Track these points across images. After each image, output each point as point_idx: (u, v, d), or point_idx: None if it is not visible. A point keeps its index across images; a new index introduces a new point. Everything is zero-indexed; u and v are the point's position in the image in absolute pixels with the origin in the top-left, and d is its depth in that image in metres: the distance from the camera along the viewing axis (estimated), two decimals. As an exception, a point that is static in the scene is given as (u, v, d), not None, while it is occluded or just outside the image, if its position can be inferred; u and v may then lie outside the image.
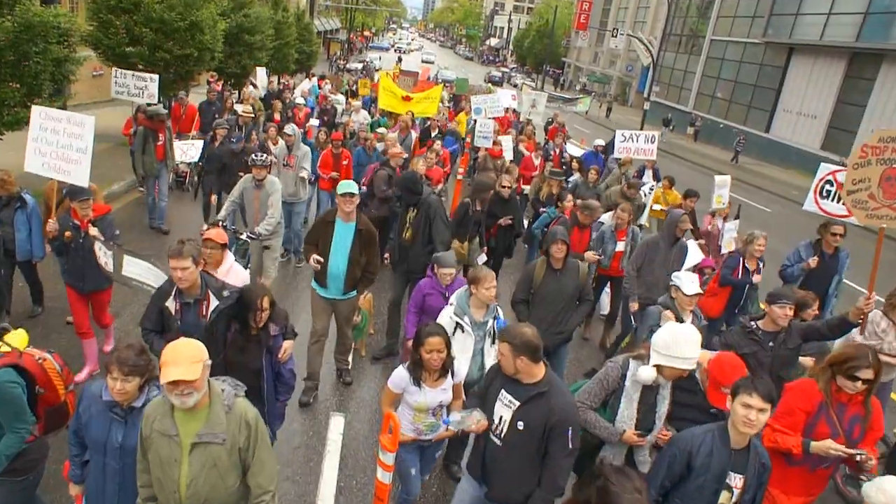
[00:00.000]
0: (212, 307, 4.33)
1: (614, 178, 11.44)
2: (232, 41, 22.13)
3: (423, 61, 54.13)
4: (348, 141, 12.19)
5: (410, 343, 5.14)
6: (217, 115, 13.27)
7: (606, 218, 8.49)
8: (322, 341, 6.44)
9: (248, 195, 7.52)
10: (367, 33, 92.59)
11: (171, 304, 4.41)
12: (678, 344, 3.75)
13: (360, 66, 46.45)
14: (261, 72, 21.22)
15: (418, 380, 4.15)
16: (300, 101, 16.68)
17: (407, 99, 16.28)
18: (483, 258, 8.33)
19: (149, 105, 10.71)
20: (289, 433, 5.78)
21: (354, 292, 6.27)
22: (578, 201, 8.66)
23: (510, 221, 8.61)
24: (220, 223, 6.92)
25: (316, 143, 11.43)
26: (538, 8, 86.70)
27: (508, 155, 13.30)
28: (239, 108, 13.67)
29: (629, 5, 59.16)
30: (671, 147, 31.84)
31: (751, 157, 33.23)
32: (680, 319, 5.23)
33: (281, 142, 10.27)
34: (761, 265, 7.58)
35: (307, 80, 23.37)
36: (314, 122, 14.35)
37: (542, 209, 9.90)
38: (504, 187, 8.73)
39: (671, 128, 36.29)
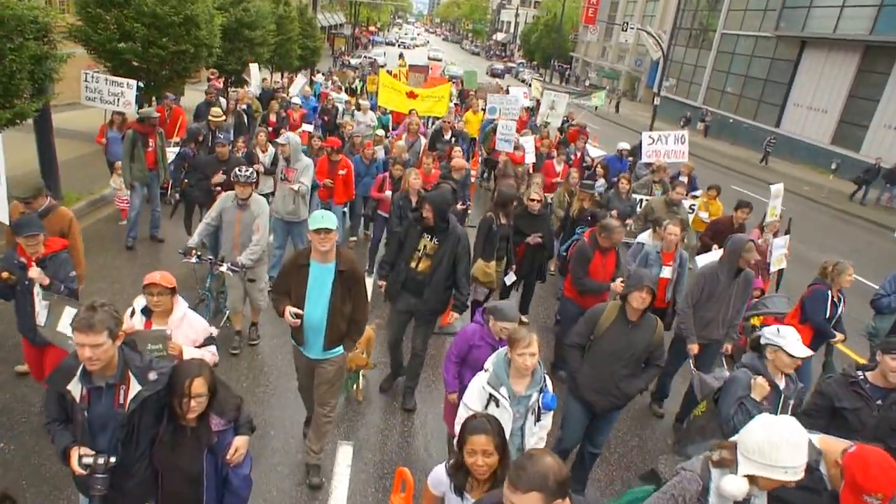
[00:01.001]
0: (132, 393, 3.20)
1: (641, 186, 10.54)
2: (231, 37, 21.73)
3: (430, 58, 52.96)
4: (346, 147, 11.30)
5: (452, 396, 4.88)
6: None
7: (646, 237, 7.62)
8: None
9: (227, 217, 6.50)
10: (372, 28, 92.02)
11: (74, 389, 3.20)
12: (778, 449, 2.72)
13: (358, 62, 45.86)
14: (254, 68, 20.11)
15: (461, 489, 3.04)
16: (296, 101, 15.47)
17: (412, 96, 15.32)
18: (511, 277, 7.75)
19: (140, 108, 10.14)
20: (292, 466, 5.34)
21: (340, 349, 4.94)
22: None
23: (540, 240, 7.76)
24: (192, 251, 6.22)
25: (310, 149, 10.47)
26: (545, 2, 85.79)
27: (531, 158, 12.37)
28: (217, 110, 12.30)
29: (638, -1, 58.41)
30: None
31: (759, 151, 32.65)
32: (773, 386, 4.32)
33: (271, 149, 9.55)
34: (842, 297, 6.60)
35: (302, 77, 22.27)
36: (307, 126, 13.53)
37: (578, 229, 8.72)
38: (533, 201, 7.80)
39: (699, 128, 35.42)
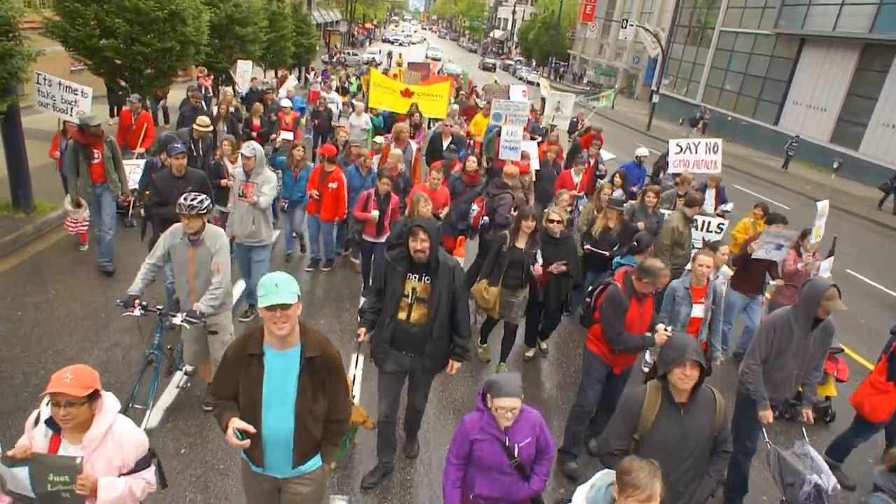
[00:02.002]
0: None
1: (664, 200, 9.57)
2: (221, 33, 21.35)
3: (428, 57, 52.01)
4: (341, 155, 10.23)
5: None
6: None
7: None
8: None
9: (178, 256, 5.25)
10: (368, 25, 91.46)
11: None
12: None
13: (345, 59, 45.23)
14: (243, 66, 19.17)
15: None
16: (286, 102, 14.25)
17: (407, 94, 14.27)
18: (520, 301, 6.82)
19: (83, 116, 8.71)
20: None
21: (317, 462, 3.58)
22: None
23: (564, 268, 6.81)
24: (135, 301, 5.02)
25: (289, 160, 9.39)
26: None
27: (534, 165, 11.27)
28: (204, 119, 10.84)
29: (635, -4, 57.97)
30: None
31: (758, 149, 32.43)
32: None
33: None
34: None
35: (294, 77, 21.03)
36: (286, 134, 12.49)
37: (613, 256, 7.72)
38: (553, 222, 6.83)
39: (699, 126, 34.40)
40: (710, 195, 10.33)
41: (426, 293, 4.57)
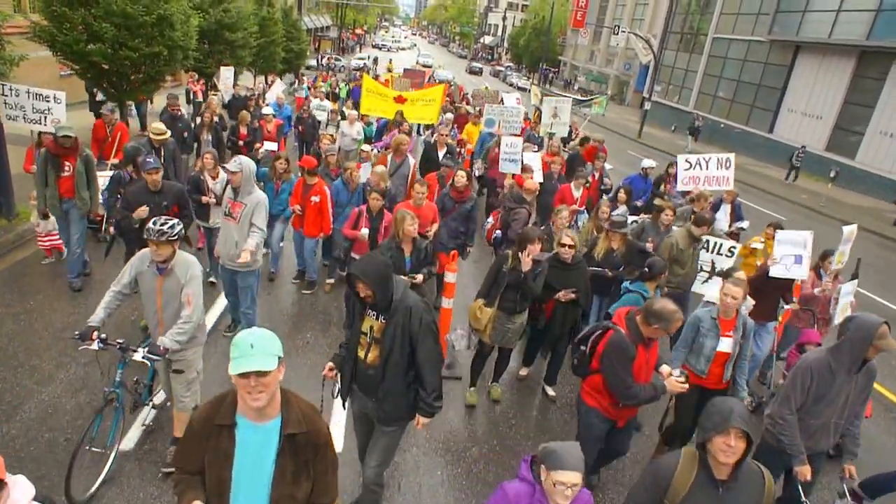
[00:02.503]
0: None
1: (676, 218, 8.88)
2: (211, 39, 20.95)
3: (419, 63, 51.26)
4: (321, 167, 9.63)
5: None
6: (186, 134, 11.33)
7: (713, 296, 5.95)
8: None
9: (145, 285, 4.72)
10: (359, 31, 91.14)
11: None
12: None
13: (335, 64, 44.61)
14: (226, 73, 18.63)
15: None
16: (268, 110, 13.40)
17: (400, 100, 13.87)
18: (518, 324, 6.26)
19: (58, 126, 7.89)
20: None
21: None
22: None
23: (573, 296, 6.31)
24: (93, 332, 4.46)
25: (272, 172, 8.84)
26: (533, 5, 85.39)
27: (538, 178, 10.44)
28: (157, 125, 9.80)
29: (627, 2, 57.94)
30: (682, 152, 30.58)
31: (753, 157, 32.22)
32: None
33: (223, 175, 7.73)
34: None
35: (281, 82, 20.27)
36: (269, 144, 11.64)
37: (618, 277, 7.14)
38: (565, 247, 6.31)
39: (695, 137, 33.60)
40: (725, 211, 9.82)
41: (381, 332, 3.97)
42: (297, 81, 29.27)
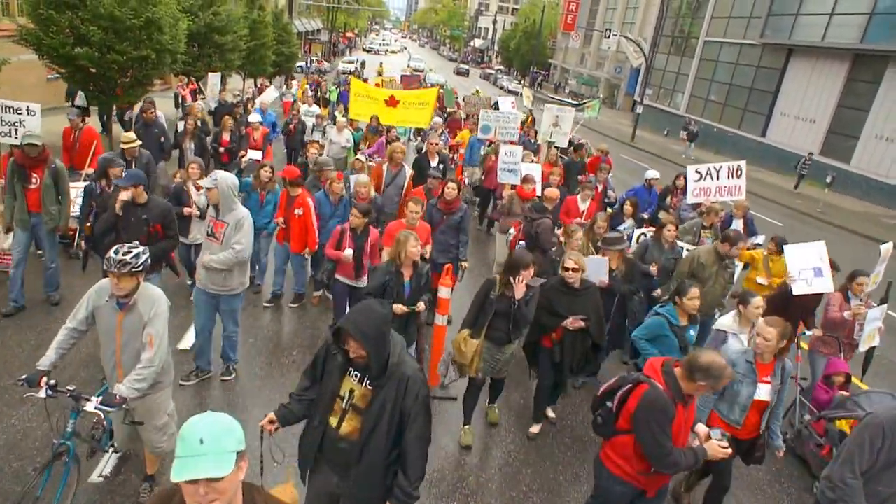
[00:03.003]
0: None
1: (685, 232, 8.58)
2: (200, 42, 20.58)
3: (411, 68, 50.20)
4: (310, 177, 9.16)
5: None
6: (162, 140, 10.57)
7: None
8: None
9: (103, 321, 4.13)
10: (349, 34, 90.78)
11: None
12: None
13: (325, 68, 43.81)
14: (213, 78, 17.95)
15: None
16: (254, 117, 12.62)
17: (392, 103, 13.10)
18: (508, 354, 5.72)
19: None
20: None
21: None
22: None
23: (583, 324, 5.61)
24: (41, 377, 3.88)
25: (255, 183, 8.28)
26: (523, 8, 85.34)
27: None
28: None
29: (617, 6, 57.94)
30: (683, 160, 30.46)
31: (746, 162, 31.98)
32: None
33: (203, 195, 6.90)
34: None
35: (275, 88, 19.34)
36: (254, 153, 11.00)
37: (622, 292, 6.73)
38: (568, 270, 5.64)
39: (685, 137, 33.01)
40: (738, 226, 9.20)
41: (364, 402, 3.22)
42: (285, 85, 28.82)
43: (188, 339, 6.99)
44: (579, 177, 12.26)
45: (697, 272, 6.92)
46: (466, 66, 79.04)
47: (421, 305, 5.76)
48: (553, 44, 73.57)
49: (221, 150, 11.44)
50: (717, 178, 9.45)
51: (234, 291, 6.04)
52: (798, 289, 6.59)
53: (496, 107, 18.73)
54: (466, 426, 6.08)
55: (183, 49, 15.03)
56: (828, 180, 23.76)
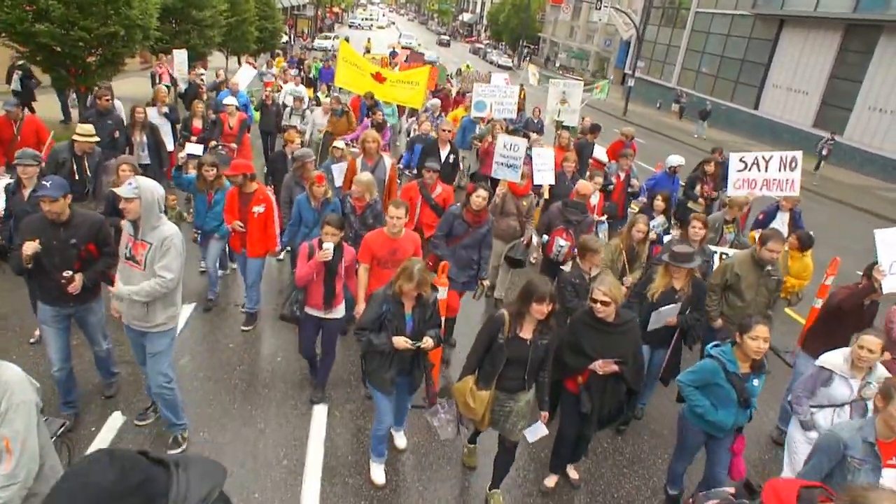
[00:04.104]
0: None
1: (710, 228, 7.12)
2: (177, 17, 19.90)
3: (400, 44, 48.77)
4: (291, 175, 7.81)
5: None
6: (118, 134, 9.09)
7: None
8: None
9: None
10: (336, 9, 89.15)
11: None
12: None
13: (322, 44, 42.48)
14: (179, 56, 16.11)
15: None
16: (230, 100, 10.83)
17: (379, 78, 12.05)
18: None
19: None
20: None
21: None
22: None
23: (616, 367, 4.47)
24: None
25: (200, 180, 7.12)
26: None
27: (547, 180, 8.50)
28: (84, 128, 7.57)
29: (607, -23, 56.89)
30: (678, 133, 29.99)
31: (738, 134, 31.74)
32: None
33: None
34: None
35: (249, 66, 17.19)
36: (193, 147, 9.05)
37: (690, 329, 5.58)
38: (598, 302, 4.44)
39: (677, 108, 31.46)
40: (783, 221, 8.17)
41: None
42: (265, 64, 27.72)
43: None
44: (590, 160, 11.02)
45: (733, 284, 5.91)
46: (447, 37, 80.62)
47: (428, 342, 4.54)
48: (542, 17, 72.55)
49: (193, 139, 10.02)
50: (766, 170, 8.09)
51: (161, 328, 4.72)
52: (889, 286, 5.46)
53: (489, 80, 17.40)
54: (471, 445, 5.27)
55: (155, 25, 14.37)
56: (823, 153, 23.33)
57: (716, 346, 4.48)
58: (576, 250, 6.01)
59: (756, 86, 33.04)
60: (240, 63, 27.52)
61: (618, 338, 4.54)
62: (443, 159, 9.22)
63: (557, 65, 63.29)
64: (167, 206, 7.29)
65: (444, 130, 9.66)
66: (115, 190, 4.51)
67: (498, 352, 4.31)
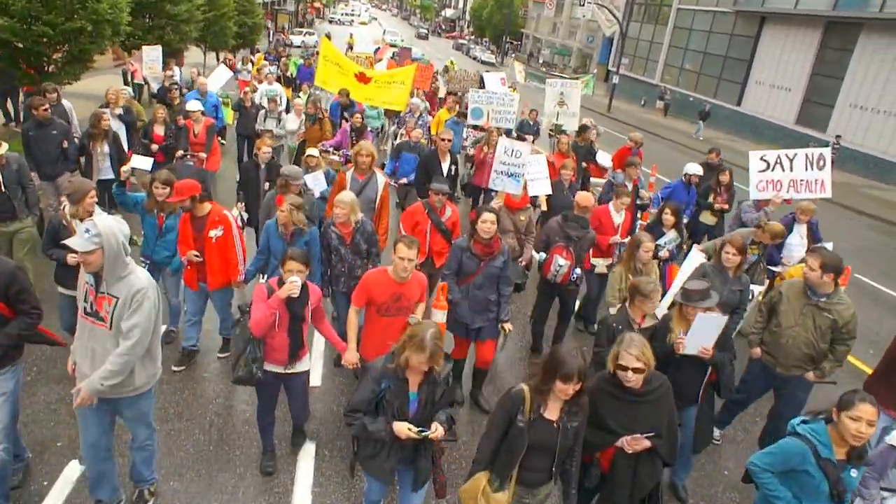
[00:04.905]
0: None
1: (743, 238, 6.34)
2: (151, 12, 19.34)
3: (384, 40, 47.90)
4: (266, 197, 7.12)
5: None
6: (66, 145, 8.02)
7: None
8: None
9: None
10: (317, 4, 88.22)
11: None
12: None
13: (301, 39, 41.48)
14: (150, 53, 14.70)
15: None
16: (194, 105, 9.70)
17: (363, 79, 11.44)
18: None
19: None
20: None
21: None
22: None
23: (647, 444, 3.68)
24: None
25: (149, 203, 5.97)
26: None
27: (542, 190, 8.00)
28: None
29: (589, -27, 56.70)
30: (663, 131, 29.82)
31: (721, 131, 31.70)
32: None
33: (98, 216, 4.04)
34: None
35: (224, 68, 15.64)
36: (140, 161, 7.28)
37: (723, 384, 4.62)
38: (628, 370, 3.58)
39: (664, 106, 30.61)
40: (800, 234, 7.54)
41: None
42: (241, 61, 26.98)
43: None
44: (583, 163, 10.46)
45: (777, 303, 5.31)
46: (426, 31, 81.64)
47: (438, 430, 3.57)
48: (525, 13, 72.32)
49: (154, 147, 9.21)
50: (791, 169, 7.46)
51: (137, 391, 3.94)
52: None
53: (482, 85, 16.35)
54: None
55: (125, 20, 13.85)
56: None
57: (804, 422, 3.63)
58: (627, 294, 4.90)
59: (739, 82, 33.01)
60: (218, 59, 26.96)
61: (649, 407, 3.69)
62: (445, 172, 8.51)
63: (541, 61, 63.08)
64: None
65: (443, 140, 8.67)
66: (67, 243, 3.61)
67: (518, 438, 3.43)
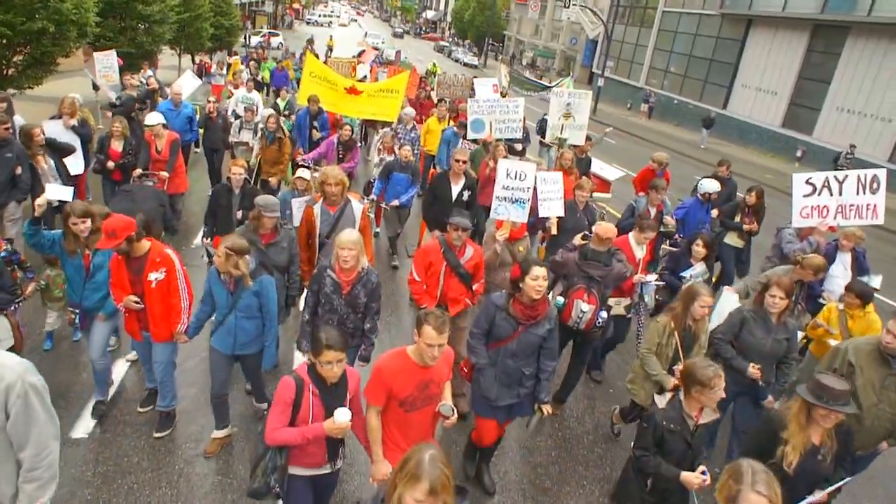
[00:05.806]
0: None
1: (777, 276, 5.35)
2: (121, 12, 18.51)
3: (366, 42, 46.51)
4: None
5: None
6: (20, 170, 6.81)
7: None
8: None
9: None
10: (296, 5, 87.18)
11: None
12: None
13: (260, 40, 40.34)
14: (103, 60, 12.80)
15: None
16: (154, 119, 8.58)
17: (353, 92, 10.62)
18: None
19: None
20: None
21: None
22: None
23: None
24: None
25: (67, 242, 4.97)
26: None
27: (557, 211, 6.90)
28: None
29: (572, -25, 56.44)
30: (651, 135, 29.40)
31: (708, 134, 31.32)
32: None
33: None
34: None
35: (192, 75, 13.87)
36: (57, 191, 5.74)
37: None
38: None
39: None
40: (844, 264, 6.72)
41: None
42: (228, 63, 25.93)
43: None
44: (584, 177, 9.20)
45: (846, 376, 4.30)
46: (401, 30, 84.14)
47: None
48: (507, 15, 72.01)
49: (111, 165, 8.19)
50: (840, 193, 6.62)
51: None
52: None
53: (472, 91, 15.01)
54: None
55: (92, 21, 13.08)
56: (798, 154, 22.93)
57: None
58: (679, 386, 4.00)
59: (725, 86, 32.81)
60: (193, 62, 26.07)
61: None
62: (454, 197, 7.41)
63: (524, 63, 62.73)
64: (47, 285, 5.79)
65: (457, 161, 7.53)
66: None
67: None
